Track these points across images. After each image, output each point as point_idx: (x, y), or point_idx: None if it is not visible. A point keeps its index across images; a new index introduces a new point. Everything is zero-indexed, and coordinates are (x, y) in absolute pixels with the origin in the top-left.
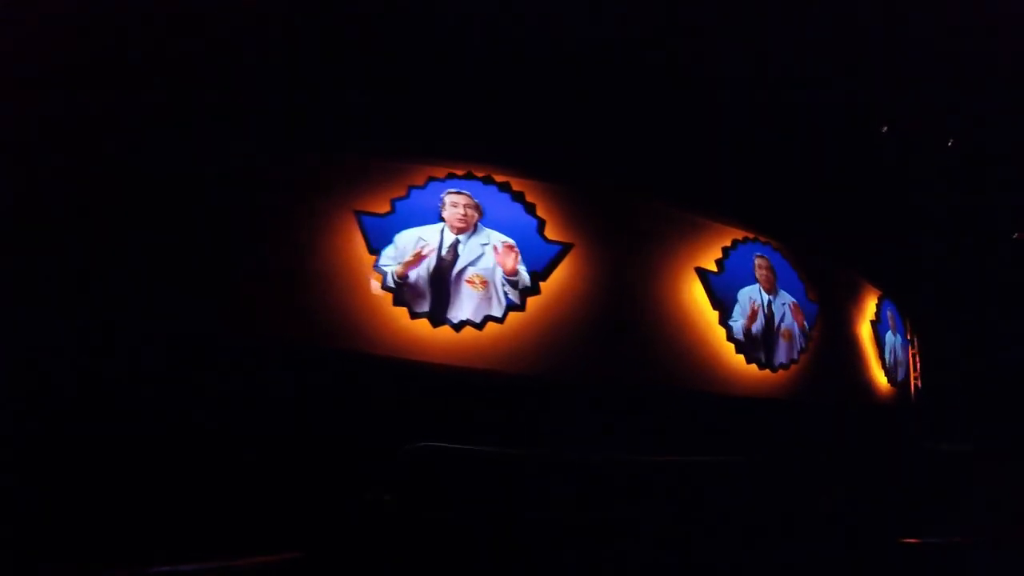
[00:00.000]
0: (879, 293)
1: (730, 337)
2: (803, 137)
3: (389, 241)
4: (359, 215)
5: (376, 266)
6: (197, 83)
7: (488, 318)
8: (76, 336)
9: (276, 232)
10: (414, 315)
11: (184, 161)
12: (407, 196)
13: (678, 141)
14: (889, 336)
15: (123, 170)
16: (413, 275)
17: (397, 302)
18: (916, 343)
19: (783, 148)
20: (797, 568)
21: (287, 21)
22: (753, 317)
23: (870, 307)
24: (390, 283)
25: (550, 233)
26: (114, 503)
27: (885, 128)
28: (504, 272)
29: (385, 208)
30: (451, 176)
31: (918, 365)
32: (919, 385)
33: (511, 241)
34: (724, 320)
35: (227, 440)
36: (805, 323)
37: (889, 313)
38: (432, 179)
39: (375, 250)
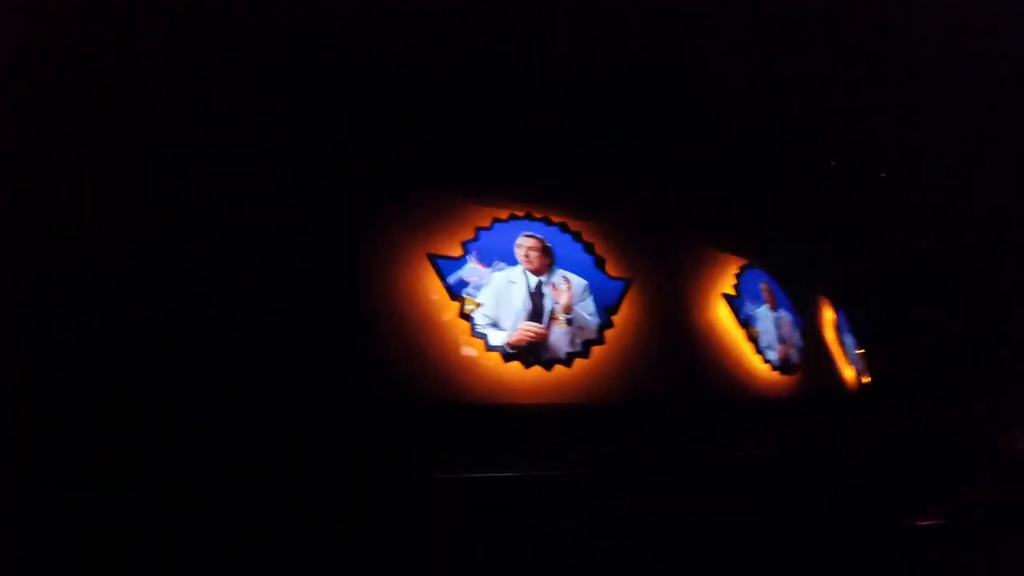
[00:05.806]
0: (833, 304)
1: (765, 360)
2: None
3: (471, 285)
4: (433, 258)
5: (476, 330)
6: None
7: (573, 355)
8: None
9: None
10: (509, 358)
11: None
12: (476, 239)
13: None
14: (847, 338)
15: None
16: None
17: (509, 359)
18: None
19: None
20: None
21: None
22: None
23: (830, 316)
24: (498, 346)
25: (611, 270)
26: None
27: (833, 163)
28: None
29: (458, 252)
30: (513, 217)
31: (865, 362)
32: (867, 380)
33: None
34: (753, 338)
35: None
36: (797, 332)
37: (842, 319)
38: (497, 220)
39: (457, 296)
